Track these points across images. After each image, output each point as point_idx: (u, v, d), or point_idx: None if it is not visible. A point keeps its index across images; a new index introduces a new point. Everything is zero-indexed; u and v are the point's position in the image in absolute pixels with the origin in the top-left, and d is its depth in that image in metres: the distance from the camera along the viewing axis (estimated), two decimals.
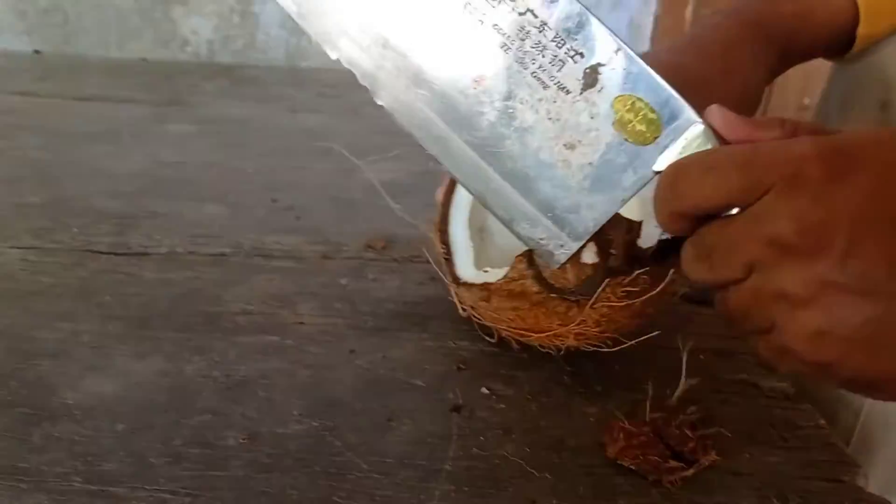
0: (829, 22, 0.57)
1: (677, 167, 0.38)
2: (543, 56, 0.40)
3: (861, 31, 0.56)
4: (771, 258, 0.34)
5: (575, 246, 0.43)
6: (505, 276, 0.49)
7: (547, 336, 0.50)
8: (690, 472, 0.44)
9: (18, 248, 0.65)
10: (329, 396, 0.50)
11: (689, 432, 0.46)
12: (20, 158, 0.84)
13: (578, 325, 0.48)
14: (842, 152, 0.34)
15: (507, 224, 0.45)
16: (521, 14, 0.40)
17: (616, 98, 0.40)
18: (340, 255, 0.67)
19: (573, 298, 0.48)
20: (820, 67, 0.68)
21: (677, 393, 0.48)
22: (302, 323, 0.57)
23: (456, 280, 0.53)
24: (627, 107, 0.40)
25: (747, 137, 0.38)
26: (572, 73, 0.40)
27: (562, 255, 0.44)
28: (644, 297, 0.47)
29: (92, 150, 0.88)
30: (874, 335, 0.33)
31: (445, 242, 0.54)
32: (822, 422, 0.50)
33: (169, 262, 0.64)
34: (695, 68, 0.52)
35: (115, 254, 0.65)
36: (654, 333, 0.48)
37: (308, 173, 0.84)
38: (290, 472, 0.43)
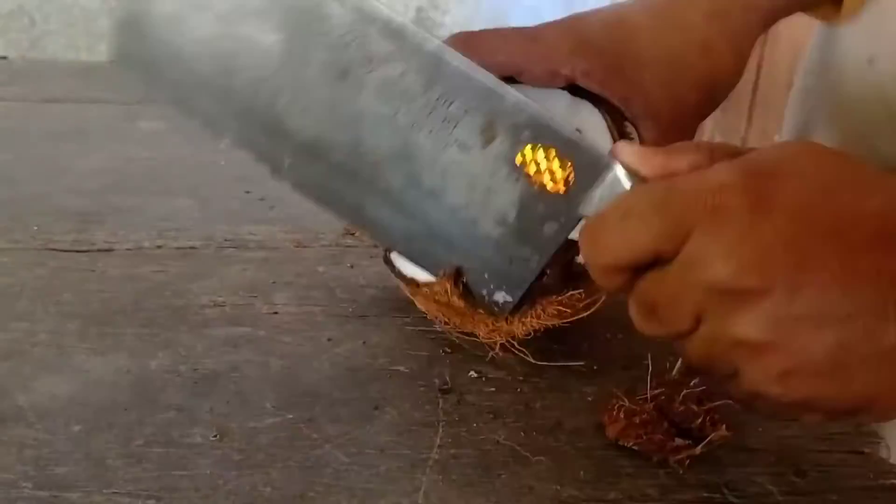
0: None
1: (594, 219, 0.35)
2: (434, 116, 0.38)
3: None
4: (715, 306, 0.31)
5: (516, 296, 0.43)
6: (428, 287, 0.46)
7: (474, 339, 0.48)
8: (698, 449, 0.41)
9: None
10: (305, 387, 0.46)
11: (694, 407, 0.42)
12: None
13: (505, 336, 0.47)
14: (760, 174, 0.31)
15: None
16: (401, 75, 0.38)
17: (520, 151, 0.38)
18: (317, 243, 0.64)
19: (501, 315, 0.45)
20: (809, 44, 0.66)
21: (679, 365, 0.44)
22: (276, 313, 0.53)
23: (387, 254, 0.50)
24: (533, 157, 0.38)
25: (663, 170, 0.35)
26: (469, 130, 0.38)
27: (506, 305, 0.43)
28: (574, 318, 0.46)
29: (57, 150, 0.84)
30: (843, 361, 0.30)
31: None
32: None
33: (135, 257, 0.61)
34: (671, 41, 0.48)
35: (77, 251, 0.61)
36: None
37: None
38: (262, 468, 0.39)
